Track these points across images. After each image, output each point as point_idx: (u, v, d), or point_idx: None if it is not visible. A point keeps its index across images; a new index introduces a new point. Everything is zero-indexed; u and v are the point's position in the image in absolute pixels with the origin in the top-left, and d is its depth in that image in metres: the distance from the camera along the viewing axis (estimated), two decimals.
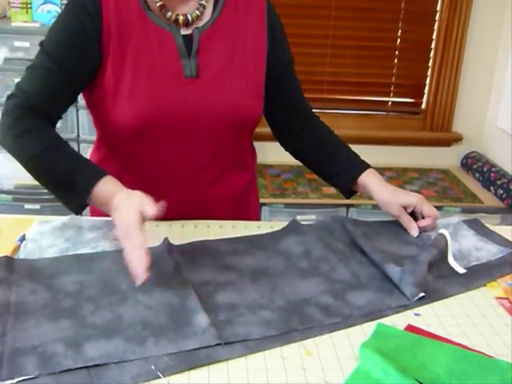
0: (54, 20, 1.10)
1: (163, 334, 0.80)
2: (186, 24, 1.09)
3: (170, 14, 1.07)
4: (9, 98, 1.04)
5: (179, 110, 1.08)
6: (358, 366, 0.75)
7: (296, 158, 1.32)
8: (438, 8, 2.61)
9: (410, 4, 2.61)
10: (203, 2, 1.10)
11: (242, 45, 1.13)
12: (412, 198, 1.14)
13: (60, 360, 0.73)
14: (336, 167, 1.23)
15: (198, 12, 1.09)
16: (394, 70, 2.72)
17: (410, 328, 0.84)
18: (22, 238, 1.03)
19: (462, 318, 0.87)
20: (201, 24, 1.11)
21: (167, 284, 0.90)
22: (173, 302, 0.87)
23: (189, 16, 1.08)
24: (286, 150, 1.34)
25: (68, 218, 1.11)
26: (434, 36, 2.66)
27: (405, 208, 1.14)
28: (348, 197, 1.27)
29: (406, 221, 1.14)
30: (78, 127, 2.27)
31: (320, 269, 0.98)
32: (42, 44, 1.06)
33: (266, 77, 1.18)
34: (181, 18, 1.08)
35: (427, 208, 1.13)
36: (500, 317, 0.88)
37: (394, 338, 0.81)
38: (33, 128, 1.01)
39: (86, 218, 1.13)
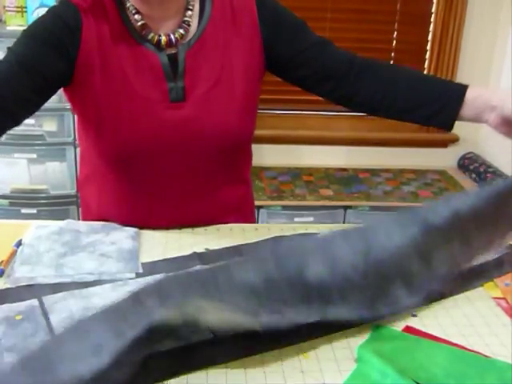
0: (29, 24, 1.05)
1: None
2: (170, 45, 1.04)
3: (152, 35, 1.02)
4: None
5: (167, 138, 1.04)
6: (356, 368, 0.75)
7: (380, 116, 1.15)
8: (434, 10, 2.62)
9: (406, 6, 2.62)
10: (187, 19, 1.05)
11: (232, 56, 1.08)
12: None
13: None
14: (431, 107, 1.06)
15: (181, 31, 1.04)
16: None
17: (408, 329, 0.84)
18: (19, 243, 1.03)
19: (459, 319, 0.87)
20: (186, 40, 1.05)
21: None
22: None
23: (172, 36, 1.03)
24: (368, 113, 1.19)
25: (65, 223, 1.11)
26: (430, 38, 2.66)
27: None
28: (450, 127, 1.08)
29: None
30: (75, 131, 2.26)
31: None
32: (9, 47, 1.02)
33: (288, 63, 1.12)
34: (163, 39, 1.02)
35: None
36: (497, 317, 0.88)
37: (391, 340, 0.81)
38: None
39: (83, 222, 1.13)
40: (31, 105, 1.00)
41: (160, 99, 1.04)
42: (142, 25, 1.02)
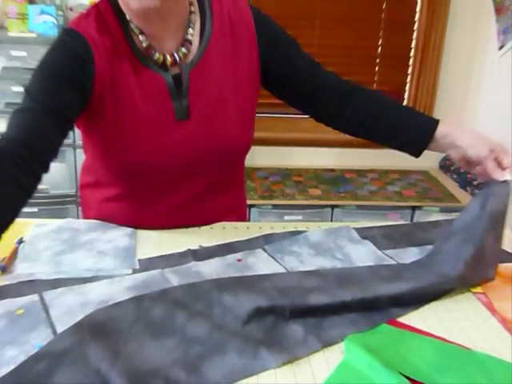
0: (40, 61, 0.97)
1: (271, 346, 0.76)
2: (174, 63, 1.01)
3: (157, 55, 1.00)
4: None
5: (171, 155, 1.03)
6: (343, 360, 0.75)
7: (357, 137, 1.16)
8: (417, 18, 2.63)
9: (390, 14, 2.62)
10: (189, 37, 1.02)
11: (232, 73, 1.06)
12: (497, 143, 1.01)
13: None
14: (404, 137, 1.09)
15: (184, 50, 1.01)
16: (376, 77, 2.73)
17: (393, 322, 0.84)
18: (20, 241, 1.03)
19: (441, 313, 0.87)
20: (189, 60, 1.03)
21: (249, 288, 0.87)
22: (262, 306, 0.82)
23: (176, 56, 1.00)
24: (346, 133, 1.17)
25: (64, 221, 1.11)
26: (413, 45, 2.67)
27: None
28: (418, 155, 1.11)
29: (492, 166, 1.00)
30: (74, 134, 2.25)
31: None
32: (25, 87, 0.95)
33: (280, 80, 1.11)
34: (168, 59, 1.00)
35: (508, 159, 1.00)
36: (478, 311, 0.89)
37: (377, 333, 0.81)
38: None
39: (81, 221, 1.12)
40: (58, 146, 0.95)
41: (166, 118, 1.02)
42: (147, 46, 0.99)
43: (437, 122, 1.07)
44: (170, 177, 1.07)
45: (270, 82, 1.12)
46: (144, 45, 0.99)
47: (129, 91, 1.00)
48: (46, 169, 0.92)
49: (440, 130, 1.05)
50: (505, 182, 1.00)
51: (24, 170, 0.86)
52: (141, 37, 0.99)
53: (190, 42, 1.02)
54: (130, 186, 1.09)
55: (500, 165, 1.00)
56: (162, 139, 1.02)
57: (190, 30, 1.02)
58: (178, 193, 1.10)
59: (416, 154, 1.11)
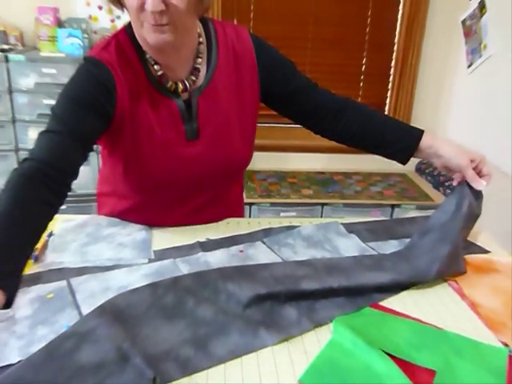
0: (66, 85, 0.95)
1: (269, 326, 0.76)
2: (185, 90, 1.00)
3: (170, 83, 0.98)
4: (22, 161, 0.87)
5: (183, 170, 1.02)
6: (331, 338, 0.75)
7: (349, 146, 1.15)
8: (396, 40, 2.63)
9: (373, 37, 2.62)
10: (198, 66, 1.00)
11: (237, 95, 1.05)
12: (478, 154, 1.02)
13: (196, 363, 0.70)
14: (392, 148, 1.08)
15: (193, 77, 1.00)
16: (360, 92, 2.73)
17: (375, 306, 0.84)
18: (50, 234, 1.02)
19: (418, 297, 0.87)
20: (197, 86, 1.01)
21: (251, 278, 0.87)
22: (260, 292, 0.82)
23: (186, 83, 0.99)
24: (339, 143, 1.16)
25: (89, 217, 1.10)
26: (393, 64, 2.67)
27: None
28: (405, 163, 1.10)
29: (471, 174, 1.00)
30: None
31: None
32: (52, 109, 0.93)
33: (281, 100, 1.10)
34: (180, 86, 0.98)
35: (487, 167, 1.02)
36: (449, 295, 0.89)
37: (361, 315, 0.81)
38: (13, 187, 0.82)
39: (103, 217, 1.12)
40: (79, 168, 0.93)
41: (178, 139, 1.01)
42: (161, 75, 0.98)
43: (421, 133, 1.06)
44: (181, 189, 1.06)
45: (271, 101, 1.11)
46: (158, 74, 0.98)
47: (146, 115, 0.99)
48: (69, 189, 0.91)
49: (424, 141, 1.04)
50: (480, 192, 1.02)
51: (53, 191, 0.85)
52: (156, 67, 0.97)
53: (199, 70, 1.01)
54: (145, 197, 1.08)
55: (479, 173, 1.01)
56: (175, 157, 1.01)
57: (199, 60, 1.01)
58: (187, 203, 1.09)
59: (403, 162, 1.10)
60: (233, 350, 0.71)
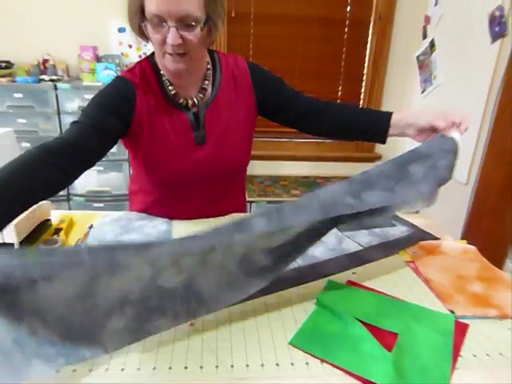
0: (96, 94, 0.96)
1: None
2: (194, 105, 1.01)
3: (181, 100, 1.00)
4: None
5: (193, 169, 1.02)
6: (315, 309, 0.75)
7: (335, 139, 1.10)
8: (365, 72, 2.63)
9: (346, 70, 2.62)
10: (205, 86, 1.02)
11: (236, 110, 1.06)
12: (440, 111, 0.90)
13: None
14: (369, 132, 1.03)
15: (201, 95, 1.01)
16: None
17: (350, 282, 0.84)
18: (91, 226, 1.02)
19: (383, 275, 0.87)
20: (204, 101, 1.02)
21: None
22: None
23: (195, 99, 1.00)
24: (327, 138, 1.13)
25: (122, 213, 1.10)
26: (362, 90, 2.67)
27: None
28: (384, 141, 1.03)
29: (443, 125, 0.88)
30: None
31: None
32: (83, 109, 0.94)
33: (275, 109, 1.09)
34: (190, 102, 1.00)
35: (458, 116, 0.88)
36: (408, 273, 0.89)
37: (339, 289, 0.81)
38: (28, 156, 0.79)
39: (133, 213, 1.12)
40: (100, 153, 0.92)
41: (188, 144, 1.01)
42: (175, 93, 0.99)
43: (391, 113, 1.01)
44: (191, 186, 1.06)
45: (267, 112, 1.11)
46: (172, 92, 0.99)
47: (162, 125, 0.99)
48: (87, 165, 0.88)
49: (395, 117, 0.99)
50: (452, 138, 0.86)
51: (68, 162, 0.82)
52: (170, 87, 0.99)
53: (206, 90, 1.02)
54: (164, 193, 1.08)
55: (452, 124, 0.88)
56: (185, 159, 1.01)
57: (206, 82, 1.02)
58: (197, 199, 1.09)
59: (382, 141, 1.03)
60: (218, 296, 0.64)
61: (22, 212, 0.74)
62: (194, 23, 0.86)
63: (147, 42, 0.94)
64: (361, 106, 1.11)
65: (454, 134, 0.87)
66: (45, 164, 0.78)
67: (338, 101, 2.69)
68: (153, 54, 1.00)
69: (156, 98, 0.99)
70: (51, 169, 0.79)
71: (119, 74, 1.00)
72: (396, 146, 2.76)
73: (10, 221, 0.71)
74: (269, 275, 0.69)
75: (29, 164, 0.76)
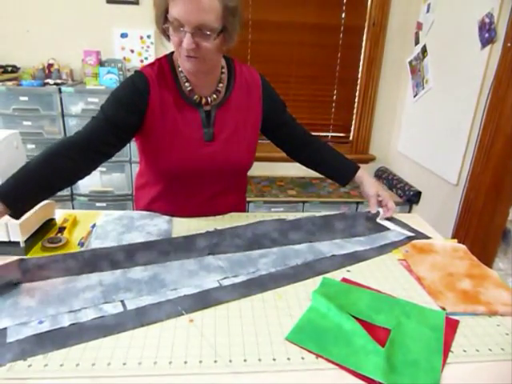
0: (115, 87, 1.01)
1: (179, 250, 0.88)
2: (206, 103, 1.03)
3: (196, 97, 1.01)
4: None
5: (200, 164, 1.03)
6: (310, 305, 0.75)
7: (309, 168, 1.21)
8: (359, 76, 2.63)
9: (341, 74, 2.62)
10: (219, 88, 1.04)
11: (245, 115, 1.07)
12: (386, 193, 1.13)
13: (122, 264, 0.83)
14: (337, 176, 1.18)
15: (214, 96, 1.03)
16: (332, 116, 2.73)
17: (344, 280, 0.84)
18: (94, 225, 1.02)
19: (376, 273, 0.88)
20: (217, 102, 1.04)
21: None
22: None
23: (209, 98, 1.02)
24: (301, 164, 1.22)
25: (124, 212, 1.10)
26: (357, 94, 2.67)
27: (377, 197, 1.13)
28: (344, 185, 1.19)
29: (373, 202, 1.11)
30: (130, 153, 2.25)
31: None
32: (101, 105, 0.99)
33: (272, 128, 1.14)
34: (203, 100, 1.02)
35: (391, 203, 1.12)
36: (400, 272, 0.89)
37: (334, 286, 0.81)
38: (50, 151, 0.87)
39: (135, 212, 1.12)
40: (117, 146, 0.97)
41: (198, 139, 1.02)
42: (190, 90, 1.01)
43: (358, 167, 1.16)
44: (196, 180, 1.06)
45: (265, 127, 1.14)
46: (188, 89, 1.01)
47: (174, 118, 1.01)
48: (104, 156, 0.95)
49: (357, 174, 1.15)
50: (377, 212, 1.11)
51: (84, 154, 0.91)
52: (187, 84, 1.01)
53: (219, 92, 1.04)
54: (169, 185, 1.08)
55: (382, 204, 1.12)
56: (194, 153, 1.02)
57: (220, 85, 1.04)
58: (201, 193, 1.09)
59: (344, 185, 1.18)
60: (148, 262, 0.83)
61: (42, 200, 0.86)
62: (209, 32, 0.88)
63: (169, 40, 0.96)
64: (337, 152, 1.20)
65: (380, 209, 1.12)
66: (61, 157, 0.87)
67: (333, 105, 2.69)
68: (172, 52, 1.03)
69: (171, 92, 1.01)
70: (67, 161, 0.87)
71: (140, 68, 1.03)
72: (388, 150, 2.77)
73: (31, 207, 0.84)
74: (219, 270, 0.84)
75: (47, 158, 0.86)
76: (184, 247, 0.89)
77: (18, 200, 0.80)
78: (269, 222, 1.02)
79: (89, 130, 0.94)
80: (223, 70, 1.05)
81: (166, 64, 1.02)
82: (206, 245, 0.91)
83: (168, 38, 0.95)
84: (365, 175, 1.15)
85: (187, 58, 0.92)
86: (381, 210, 1.12)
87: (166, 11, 0.90)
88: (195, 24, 0.86)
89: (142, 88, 0.98)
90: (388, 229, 1.08)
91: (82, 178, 0.92)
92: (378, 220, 1.10)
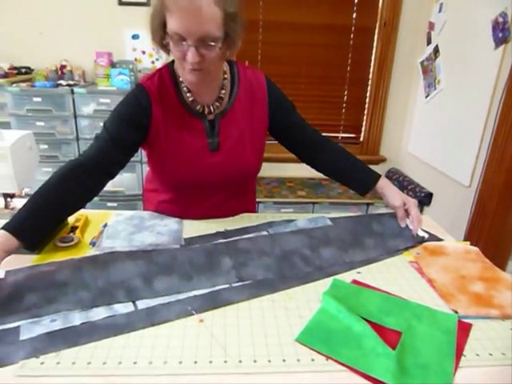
0: (117, 104, 0.99)
1: (202, 273, 0.81)
2: (210, 112, 1.01)
3: (198, 107, 0.99)
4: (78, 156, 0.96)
5: (206, 174, 1.02)
6: (321, 307, 0.75)
7: (324, 175, 1.16)
8: (370, 76, 2.62)
9: (352, 75, 2.61)
10: (222, 95, 1.01)
11: (250, 120, 1.05)
12: (410, 199, 1.04)
13: (140, 293, 0.75)
14: (356, 185, 1.11)
15: (217, 103, 1.00)
16: (343, 116, 2.72)
17: (355, 282, 0.83)
18: (105, 225, 1.03)
19: (387, 275, 0.87)
20: (220, 110, 1.02)
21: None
22: (207, 247, 0.89)
23: (212, 107, 1.00)
24: (316, 170, 1.17)
25: (134, 212, 1.11)
26: (368, 95, 2.66)
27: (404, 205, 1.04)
28: (363, 195, 1.11)
29: (400, 214, 1.03)
30: (141, 154, 2.26)
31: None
32: (104, 122, 0.98)
33: (281, 131, 1.10)
34: (206, 110, 1.00)
35: (415, 211, 1.02)
36: (411, 274, 0.88)
37: (344, 288, 0.81)
38: (59, 177, 0.89)
39: (146, 212, 1.12)
40: (123, 164, 0.99)
41: (202, 150, 1.01)
42: (192, 100, 0.99)
43: (379, 177, 1.08)
44: (203, 189, 1.06)
45: (274, 130, 1.11)
46: (190, 100, 0.99)
47: (177, 130, 0.99)
48: (110, 176, 0.97)
49: (378, 184, 1.07)
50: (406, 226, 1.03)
51: (92, 177, 0.93)
52: (188, 94, 0.99)
53: (222, 99, 1.02)
54: (178, 193, 1.08)
55: (408, 214, 1.03)
56: (199, 164, 1.01)
57: (223, 91, 1.02)
58: (209, 199, 1.08)
59: (362, 195, 1.11)
60: (168, 288, 0.76)
61: (57, 224, 0.91)
62: (213, 43, 0.85)
63: (168, 54, 0.93)
64: (355, 158, 1.12)
65: (408, 222, 1.04)
66: (71, 184, 0.89)
67: (343, 105, 2.68)
68: (173, 61, 1.00)
69: (173, 104, 0.99)
70: (77, 187, 0.90)
71: (140, 80, 1.01)
72: (399, 151, 2.74)
73: (44, 237, 0.87)
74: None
75: (57, 186, 0.88)
76: (208, 269, 0.82)
77: (31, 233, 0.82)
78: (295, 236, 0.97)
79: (95, 152, 0.94)
80: (225, 76, 1.02)
81: (166, 74, 1.00)
82: (231, 265, 0.84)
83: (167, 51, 0.92)
84: (386, 185, 1.07)
85: (192, 71, 0.89)
86: (408, 222, 1.03)
87: (163, 25, 0.86)
88: (198, 36, 0.83)
89: (145, 103, 0.96)
90: (423, 237, 1.01)
91: (90, 200, 0.94)
92: (414, 234, 1.02)
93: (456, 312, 0.75)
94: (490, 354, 0.65)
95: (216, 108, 1.01)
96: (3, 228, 0.80)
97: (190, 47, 0.84)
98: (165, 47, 0.92)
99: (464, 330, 0.70)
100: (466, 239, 1.86)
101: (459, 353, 0.65)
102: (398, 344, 0.65)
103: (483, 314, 0.74)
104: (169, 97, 0.98)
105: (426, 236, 1.01)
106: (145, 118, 0.97)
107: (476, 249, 0.98)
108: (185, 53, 0.86)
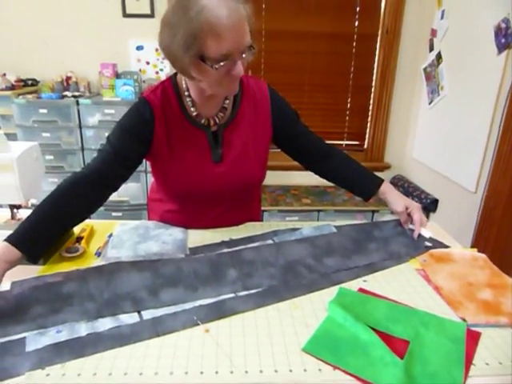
0: (121, 117, 0.99)
1: (208, 284, 0.81)
2: (214, 124, 1.00)
3: (203, 120, 0.99)
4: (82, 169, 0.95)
5: (210, 185, 1.02)
6: (327, 315, 0.74)
7: (330, 182, 1.16)
8: (373, 84, 2.62)
9: (355, 82, 2.62)
10: (225, 106, 1.01)
11: (254, 130, 1.04)
12: (413, 203, 1.05)
13: (145, 303, 0.75)
14: (359, 190, 1.11)
15: (221, 114, 1.00)
16: (346, 124, 2.72)
17: (361, 290, 0.83)
18: (110, 235, 1.03)
19: (394, 283, 0.86)
20: (223, 121, 1.01)
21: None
22: (212, 258, 0.90)
23: (216, 119, 1.00)
24: (321, 177, 1.17)
25: (140, 222, 1.11)
26: (371, 102, 2.66)
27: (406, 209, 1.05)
28: (367, 200, 1.12)
29: (404, 219, 1.05)
30: (146, 163, 2.27)
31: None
32: (108, 135, 0.98)
33: (285, 140, 1.10)
34: (211, 122, 1.00)
35: (418, 215, 1.03)
36: (418, 281, 0.87)
37: (350, 296, 0.80)
38: (62, 190, 0.89)
39: (151, 222, 1.13)
40: (125, 177, 0.98)
41: (206, 161, 1.01)
42: (197, 114, 0.99)
43: (382, 182, 1.09)
44: (208, 199, 1.05)
45: (279, 140, 1.11)
46: (194, 114, 0.99)
47: (180, 142, 0.99)
48: (113, 189, 0.97)
49: (381, 189, 1.08)
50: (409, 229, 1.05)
51: (95, 190, 0.93)
52: (192, 108, 0.99)
53: (226, 109, 1.02)
54: (182, 203, 1.08)
55: (410, 217, 1.05)
56: (203, 176, 1.01)
57: (227, 101, 1.01)
58: (213, 209, 1.08)
59: (366, 200, 1.12)
60: (174, 299, 0.76)
61: (61, 236, 0.92)
62: (254, 50, 0.86)
63: (192, 79, 0.89)
64: (359, 164, 1.13)
65: (411, 226, 1.05)
66: (74, 196, 0.90)
67: (347, 113, 2.69)
68: (175, 74, 1.00)
69: (176, 117, 0.99)
70: (80, 200, 0.90)
71: (143, 93, 1.00)
72: (404, 157, 2.74)
73: (47, 249, 0.88)
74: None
75: (60, 198, 0.89)
76: (213, 280, 0.83)
77: (33, 244, 0.82)
78: (300, 245, 0.98)
79: (99, 165, 0.94)
80: None
81: (169, 87, 0.99)
82: (236, 276, 0.84)
83: (191, 77, 0.88)
84: (388, 190, 1.08)
85: (235, 81, 0.89)
86: (412, 226, 1.05)
87: (199, 55, 0.82)
88: (243, 49, 0.82)
89: (147, 117, 0.96)
90: (426, 241, 1.02)
91: (94, 212, 0.94)
92: (415, 236, 1.03)
93: (464, 320, 0.74)
94: (500, 363, 0.64)
95: (220, 118, 1.01)
96: (6, 240, 0.80)
97: (238, 62, 0.83)
98: (191, 76, 0.88)
99: (473, 338, 0.69)
100: (473, 246, 1.85)
101: (468, 362, 0.64)
102: (406, 353, 0.65)
103: (493, 323, 0.73)
104: (172, 110, 0.99)
105: (430, 234, 1.02)
106: (148, 132, 0.97)
107: (484, 256, 0.97)
108: (229, 68, 0.84)
